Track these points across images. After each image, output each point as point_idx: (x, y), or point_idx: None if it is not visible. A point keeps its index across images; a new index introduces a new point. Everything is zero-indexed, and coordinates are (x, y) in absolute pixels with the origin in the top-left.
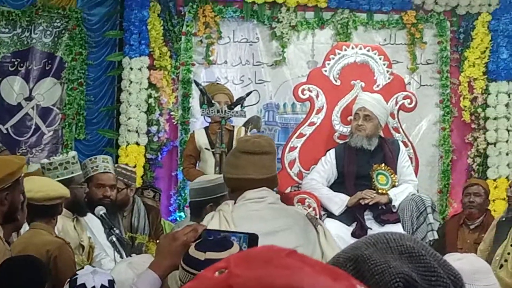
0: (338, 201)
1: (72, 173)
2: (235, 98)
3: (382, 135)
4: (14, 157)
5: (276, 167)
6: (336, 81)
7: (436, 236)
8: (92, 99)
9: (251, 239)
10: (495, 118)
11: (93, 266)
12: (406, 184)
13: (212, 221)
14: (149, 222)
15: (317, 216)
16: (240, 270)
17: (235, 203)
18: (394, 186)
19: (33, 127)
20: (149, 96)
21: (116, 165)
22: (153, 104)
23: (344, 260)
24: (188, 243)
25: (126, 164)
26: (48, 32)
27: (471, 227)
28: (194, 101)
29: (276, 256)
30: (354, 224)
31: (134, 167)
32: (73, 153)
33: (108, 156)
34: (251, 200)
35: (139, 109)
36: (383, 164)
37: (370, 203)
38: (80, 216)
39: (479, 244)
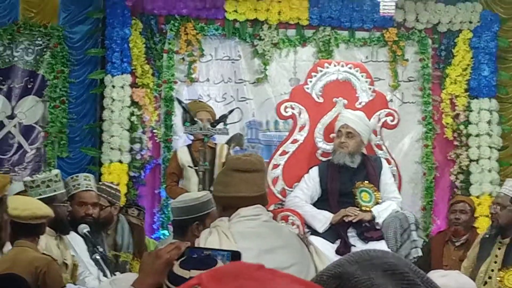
0: (322, 219)
1: (55, 191)
2: (218, 115)
3: (365, 152)
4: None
5: (266, 185)
6: (318, 98)
7: (420, 253)
8: (75, 117)
9: (234, 256)
10: (477, 135)
11: (76, 285)
12: (390, 201)
13: (211, 237)
14: (134, 241)
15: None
16: (212, 286)
17: (229, 220)
18: (377, 203)
19: (16, 145)
20: (132, 114)
21: (100, 183)
22: (135, 122)
23: (327, 277)
24: (171, 261)
25: (111, 182)
26: (30, 50)
27: (457, 244)
28: (177, 119)
29: (246, 270)
30: (338, 242)
31: (118, 185)
32: (56, 171)
33: (90, 174)
34: (246, 217)
35: (122, 127)
36: (366, 182)
37: (354, 221)
38: (63, 234)
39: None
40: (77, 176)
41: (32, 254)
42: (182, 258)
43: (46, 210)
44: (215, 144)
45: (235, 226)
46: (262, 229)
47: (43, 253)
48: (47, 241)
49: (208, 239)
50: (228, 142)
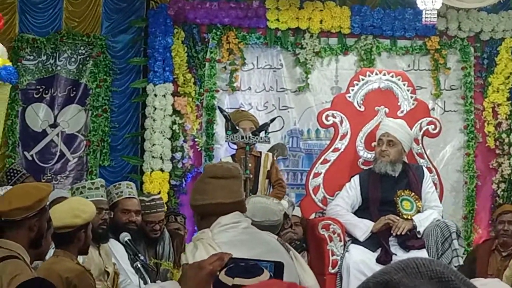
0: (363, 227)
1: (87, 198)
2: (260, 124)
3: (406, 161)
4: (42, 184)
5: (243, 193)
6: (360, 107)
7: (461, 262)
8: (117, 125)
9: (277, 267)
10: None
11: None
12: (431, 210)
13: (198, 252)
14: (174, 249)
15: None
16: None
17: (211, 230)
18: (418, 211)
19: (58, 153)
20: (173, 122)
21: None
22: (177, 131)
23: (374, 284)
24: (214, 272)
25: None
26: (73, 59)
27: (504, 254)
28: (218, 128)
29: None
30: (378, 250)
31: (159, 193)
32: (98, 180)
33: (132, 182)
34: (227, 225)
35: (163, 135)
36: (408, 190)
37: (403, 233)
38: (99, 243)
39: None
40: (119, 184)
41: (64, 265)
42: (230, 265)
43: (66, 221)
44: (260, 152)
45: (218, 236)
46: (244, 236)
47: (78, 263)
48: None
49: (196, 253)
50: (271, 151)
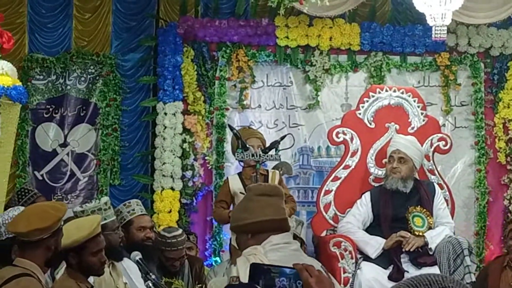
0: (374, 244)
1: (105, 219)
2: (269, 142)
3: (418, 177)
4: (57, 203)
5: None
6: (370, 123)
7: (474, 279)
8: (127, 144)
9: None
10: None
11: None
12: (443, 226)
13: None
14: (193, 277)
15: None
16: None
17: (263, 247)
18: (430, 228)
19: (68, 173)
20: (184, 141)
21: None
22: (187, 149)
23: None
24: None
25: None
26: (83, 79)
27: None
28: (229, 146)
29: None
30: (390, 267)
31: (170, 212)
32: (105, 199)
33: (139, 200)
34: (278, 245)
35: (174, 154)
36: (419, 207)
37: (412, 249)
38: (115, 261)
39: None
40: (129, 203)
41: (65, 285)
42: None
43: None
44: (267, 170)
45: (270, 253)
46: (293, 258)
47: (78, 284)
48: None
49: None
50: (275, 169)
